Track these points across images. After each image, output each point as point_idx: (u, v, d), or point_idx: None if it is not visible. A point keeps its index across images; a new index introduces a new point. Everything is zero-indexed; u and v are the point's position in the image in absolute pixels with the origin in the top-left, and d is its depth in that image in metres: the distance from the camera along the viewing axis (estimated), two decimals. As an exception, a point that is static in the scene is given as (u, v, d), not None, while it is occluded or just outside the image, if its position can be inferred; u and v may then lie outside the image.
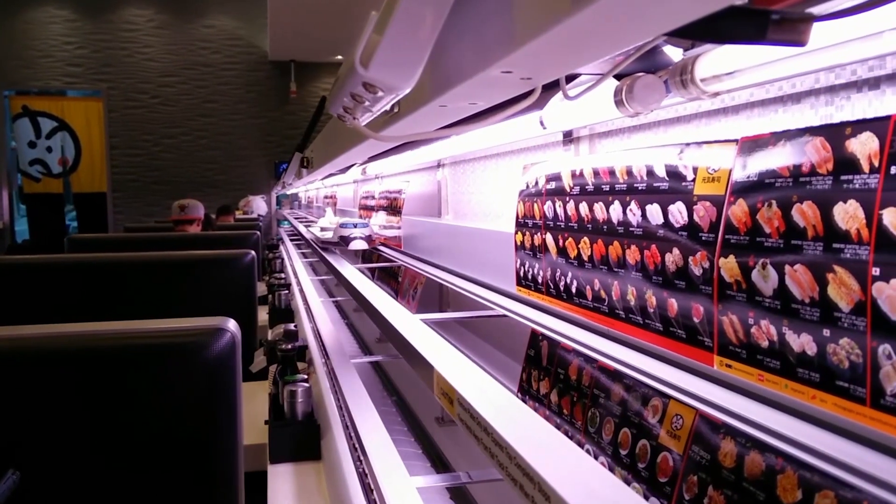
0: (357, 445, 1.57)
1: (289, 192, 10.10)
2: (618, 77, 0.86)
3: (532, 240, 1.43)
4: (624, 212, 1.07)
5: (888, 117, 0.64)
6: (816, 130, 0.72)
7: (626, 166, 1.08)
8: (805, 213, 0.72)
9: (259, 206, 9.43)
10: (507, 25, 0.51)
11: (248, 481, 1.53)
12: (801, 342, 0.72)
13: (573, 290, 1.24)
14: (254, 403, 2.57)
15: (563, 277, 1.30)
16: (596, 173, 1.16)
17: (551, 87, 1.03)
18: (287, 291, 3.56)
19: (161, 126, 10.42)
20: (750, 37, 0.39)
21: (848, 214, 0.67)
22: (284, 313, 3.42)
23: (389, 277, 2.87)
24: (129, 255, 2.59)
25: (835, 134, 0.69)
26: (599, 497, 0.49)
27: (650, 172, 1.01)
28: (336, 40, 9.04)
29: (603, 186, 1.14)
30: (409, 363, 1.14)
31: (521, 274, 1.47)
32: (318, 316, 2.79)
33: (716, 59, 0.70)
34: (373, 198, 3.54)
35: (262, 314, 3.73)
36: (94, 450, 1.18)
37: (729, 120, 1.03)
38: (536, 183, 1.41)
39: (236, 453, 1.37)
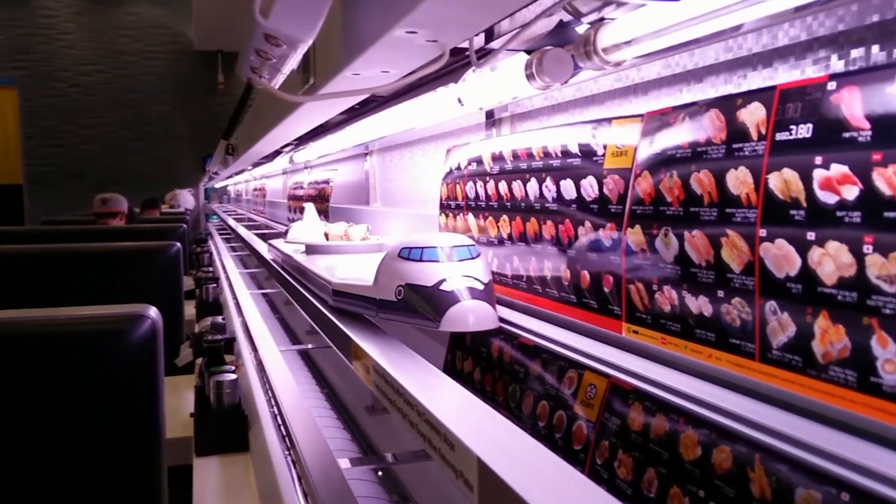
0: (286, 434, 1.59)
1: (217, 186, 9.88)
2: (529, 53, 0.89)
3: (455, 221, 1.44)
4: (540, 189, 1.10)
5: (773, 87, 0.68)
6: (712, 103, 0.76)
7: (542, 146, 1.11)
8: (702, 182, 0.76)
9: (186, 200, 9.18)
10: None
11: (172, 475, 1.51)
12: (699, 304, 0.76)
13: (494, 267, 1.26)
14: (179, 397, 2.51)
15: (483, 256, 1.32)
16: (515, 154, 1.19)
17: (467, 64, 1.05)
18: (215, 285, 3.48)
19: (81, 116, 10.02)
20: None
21: (739, 180, 0.70)
22: (212, 307, 3.35)
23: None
24: (49, 247, 2.49)
25: (727, 105, 0.73)
26: (489, 435, 0.51)
27: (565, 150, 1.04)
28: (265, 31, 8.82)
29: (521, 165, 1.17)
30: (332, 341, 1.15)
31: (445, 255, 1.49)
32: (247, 309, 2.75)
33: (616, 29, 0.73)
34: (302, 188, 3.51)
35: (190, 309, 3.65)
36: (8, 441, 1.14)
37: (639, 99, 1.07)
38: (459, 166, 1.43)
39: (159, 445, 1.34)
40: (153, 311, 1.39)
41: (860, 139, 0.57)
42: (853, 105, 0.59)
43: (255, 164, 3.81)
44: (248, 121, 2.40)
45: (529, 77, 0.86)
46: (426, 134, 2.00)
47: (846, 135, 0.59)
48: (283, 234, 2.06)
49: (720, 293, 0.73)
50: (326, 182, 2.93)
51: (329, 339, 1.91)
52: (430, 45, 0.61)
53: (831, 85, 0.61)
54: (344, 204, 2.79)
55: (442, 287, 0.92)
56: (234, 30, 9.15)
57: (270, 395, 1.82)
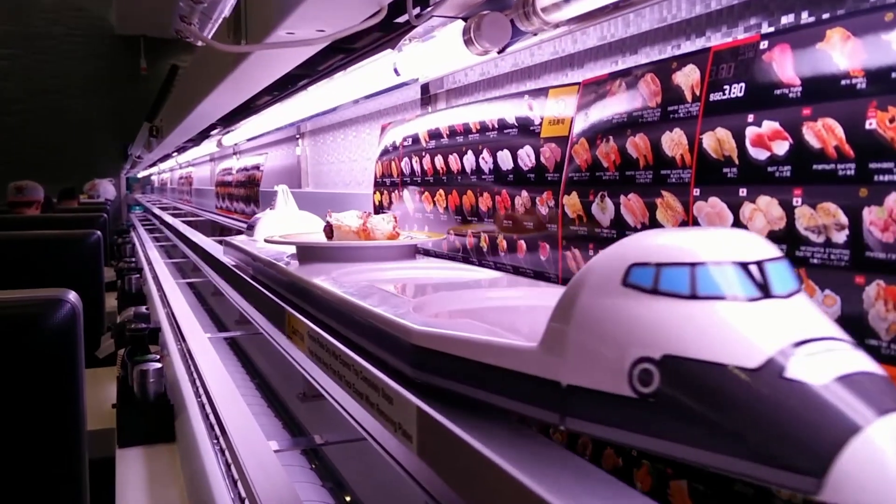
0: (215, 423, 1.52)
1: (140, 175, 9.55)
2: (465, 20, 0.88)
3: (390, 197, 1.43)
4: (477, 161, 1.10)
5: (708, 49, 0.69)
6: (647, 67, 0.77)
7: (479, 120, 1.10)
8: (637, 145, 0.77)
9: (107, 189, 8.83)
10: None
11: (94, 468, 1.45)
12: (635, 266, 0.77)
13: (429, 245, 1.25)
14: (100, 389, 2.42)
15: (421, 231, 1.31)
16: (452, 128, 1.18)
17: (403, 33, 1.03)
18: (138, 276, 3.37)
19: (-6, 101, 9.50)
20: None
21: (673, 142, 0.72)
22: (135, 298, 3.24)
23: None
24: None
25: (663, 69, 0.74)
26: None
27: (502, 122, 1.04)
28: (191, 16, 8.56)
29: (458, 139, 1.16)
30: (261, 312, 1.12)
31: (380, 234, 1.47)
32: (172, 299, 2.67)
33: None
34: (231, 173, 3.42)
35: (111, 301, 3.51)
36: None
37: (575, 72, 1.08)
38: (395, 143, 1.41)
39: (79, 435, 1.29)
40: (72, 296, 1.32)
41: (791, 95, 0.59)
42: (784, 63, 0.60)
43: (181, 149, 3.69)
44: (174, 100, 2.32)
45: (468, 42, 0.85)
46: (360, 113, 1.98)
47: (777, 92, 0.60)
48: (248, 229, 1.53)
49: (655, 254, 0.74)
50: (257, 167, 2.86)
51: (260, 326, 1.86)
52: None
53: (763, 44, 0.63)
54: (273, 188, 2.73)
55: (789, 375, 0.34)
56: (157, 14, 8.85)
57: (198, 383, 1.76)
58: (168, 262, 3.62)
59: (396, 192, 1.40)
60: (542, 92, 0.97)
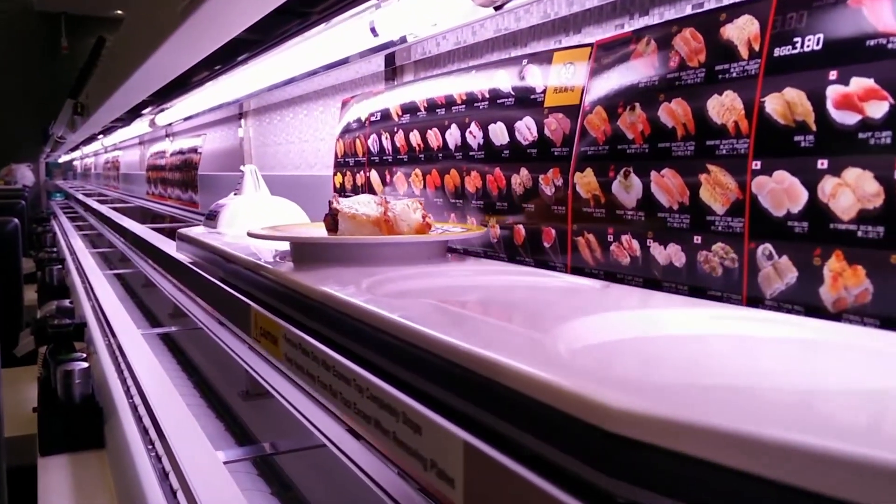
0: (150, 427, 1.38)
1: (61, 160, 9.03)
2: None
3: (354, 179, 1.29)
4: (463, 136, 0.97)
5: (769, -3, 0.59)
6: (685, 21, 0.66)
7: (464, 90, 0.98)
8: (674, 112, 0.66)
9: (24, 175, 8.32)
10: None
11: (13, 478, 1.33)
12: (669, 254, 0.66)
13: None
14: (19, 391, 2.24)
15: (389, 218, 1.18)
16: (431, 101, 1.06)
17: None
18: (60, 267, 3.14)
19: None
20: None
21: (724, 107, 0.61)
22: (57, 290, 3.01)
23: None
24: None
25: (707, 22, 0.64)
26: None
27: (494, 92, 0.92)
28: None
29: (439, 111, 1.04)
30: (219, 310, 0.97)
31: (341, 219, 1.33)
32: (99, 291, 2.50)
33: None
34: (164, 157, 3.19)
35: (30, 294, 3.29)
36: None
37: (571, 38, 0.97)
38: (359, 119, 1.28)
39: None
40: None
41: (891, 46, 0.49)
42: (879, 8, 0.50)
43: (108, 130, 3.43)
44: (102, 75, 2.11)
45: (469, -12, 0.73)
46: (311, 89, 1.82)
47: (871, 43, 0.50)
48: (209, 220, 1.27)
49: (697, 239, 0.63)
50: (194, 150, 2.66)
51: (199, 320, 1.71)
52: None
53: (849, -13, 0.53)
54: (213, 172, 2.54)
55: None
56: (81, -10, 8.34)
57: (130, 383, 1.61)
58: (93, 251, 3.41)
59: (362, 172, 1.26)
60: (543, 56, 0.85)
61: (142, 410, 1.53)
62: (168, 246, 1.58)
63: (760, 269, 0.58)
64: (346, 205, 0.80)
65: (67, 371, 1.74)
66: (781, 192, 0.56)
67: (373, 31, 0.94)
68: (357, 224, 0.78)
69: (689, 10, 0.79)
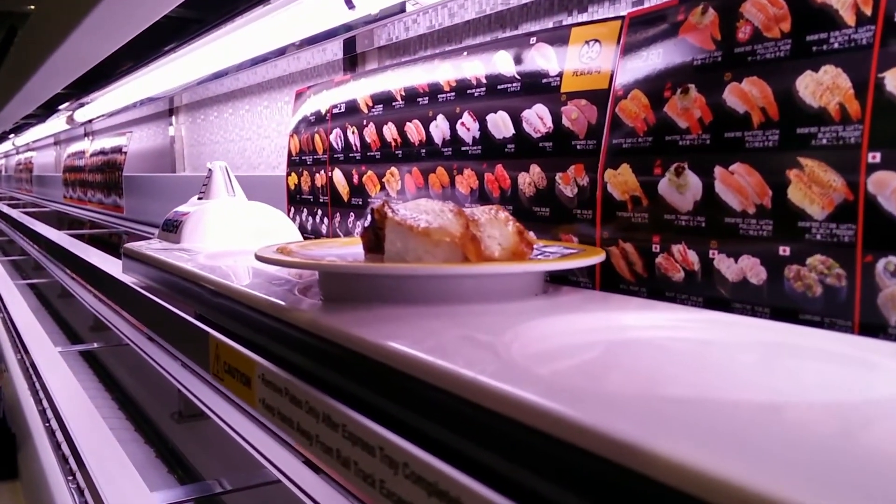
0: (69, 454, 1.26)
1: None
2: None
3: (312, 179, 1.13)
4: (453, 129, 0.83)
5: (885, -53, 0.47)
6: (758, -16, 0.54)
7: (454, 76, 0.84)
8: (748, 94, 0.53)
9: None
10: None
11: None
12: (741, 269, 0.54)
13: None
14: (-85, 416, 2.03)
15: (358, 224, 1.03)
16: (410, 89, 0.91)
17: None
18: (-37, 277, 2.87)
19: None
20: None
21: (822, 86, 0.49)
22: (-40, 305, 2.74)
23: (108, 246, 2.37)
24: None
25: (793, -18, 0.52)
26: None
27: (493, 76, 0.78)
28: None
29: (421, 101, 0.89)
30: (166, 339, 0.80)
31: (298, 225, 1.17)
32: (11, 304, 2.32)
33: None
34: (83, 157, 2.93)
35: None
36: None
37: (573, 18, 0.84)
38: (318, 112, 1.12)
39: None
40: None
41: None
42: None
43: (20, 128, 3.14)
44: (13, 66, 1.88)
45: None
46: (253, 82, 1.65)
47: None
48: (167, 230, 1.02)
49: (783, 250, 0.51)
50: (118, 150, 2.42)
51: (125, 335, 1.55)
52: None
53: None
54: (141, 173, 2.32)
55: None
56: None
57: (45, 404, 1.50)
58: (3, 259, 3.15)
59: (323, 172, 1.10)
60: (557, 34, 0.72)
61: (60, 436, 1.43)
62: (101, 260, 1.41)
63: (882, 288, 0.46)
64: (407, 214, 0.55)
65: (-27, 393, 1.59)
66: (914, 191, 0.44)
67: (348, 2, 0.78)
68: (430, 244, 0.53)
69: (729, -19, 0.67)
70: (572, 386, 0.32)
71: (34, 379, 1.77)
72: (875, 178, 0.46)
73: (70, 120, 2.51)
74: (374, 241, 0.60)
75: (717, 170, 0.55)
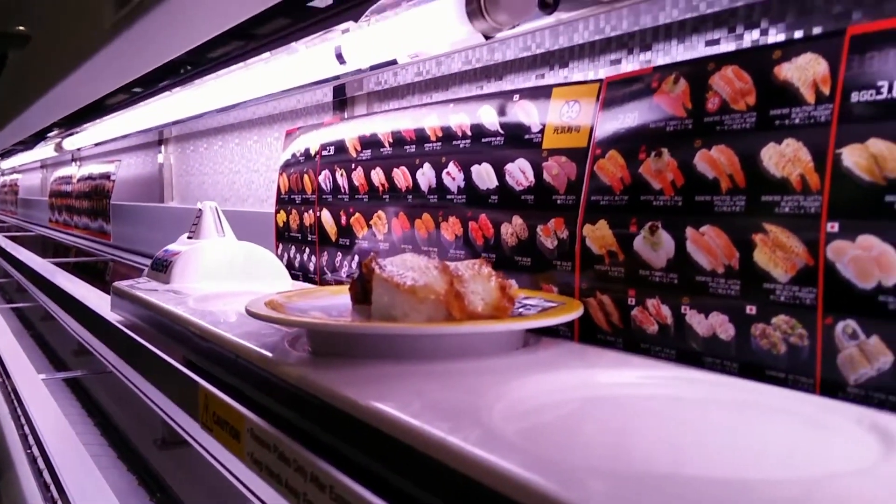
0: (51, 482, 1.29)
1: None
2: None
3: (301, 218, 1.16)
4: (438, 176, 0.86)
5: (840, 32, 0.51)
6: (726, 58, 0.58)
7: (440, 125, 0.87)
8: (716, 161, 0.57)
9: None
10: None
11: None
12: (711, 325, 0.57)
13: (362, 277, 1.00)
14: None
15: (346, 263, 1.05)
16: (396, 135, 0.94)
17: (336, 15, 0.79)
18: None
19: None
20: None
21: (785, 157, 0.52)
22: (-58, 325, 2.72)
23: (94, 275, 2.37)
24: None
25: (757, 59, 0.55)
26: None
27: (477, 128, 0.82)
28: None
29: (407, 148, 0.92)
30: (154, 383, 0.82)
31: (285, 261, 1.19)
32: None
33: None
34: (70, 182, 2.93)
35: None
36: None
37: (555, 74, 0.88)
38: (307, 152, 1.15)
39: None
40: None
41: None
42: None
43: (7, 153, 3.15)
44: (5, 93, 1.89)
45: (473, 14, 0.62)
46: (244, 118, 1.67)
47: None
48: (156, 269, 1.02)
49: (750, 309, 0.54)
50: (106, 177, 2.44)
51: (109, 362, 1.55)
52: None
53: (950, 24, 0.45)
54: (129, 202, 2.33)
55: None
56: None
57: (28, 432, 1.51)
58: None
59: (311, 211, 1.13)
60: (539, 92, 0.75)
61: (41, 464, 1.42)
62: (88, 294, 1.42)
63: (840, 349, 0.49)
64: (394, 271, 0.57)
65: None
66: (868, 260, 0.47)
67: (339, 57, 0.81)
68: (416, 300, 0.54)
69: (701, 47, 0.71)
70: (547, 457, 0.35)
71: (16, 406, 1.76)
72: (833, 246, 0.49)
73: (59, 147, 2.52)
74: (362, 293, 0.63)
75: (689, 230, 0.59)
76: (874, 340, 0.47)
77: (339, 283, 1.07)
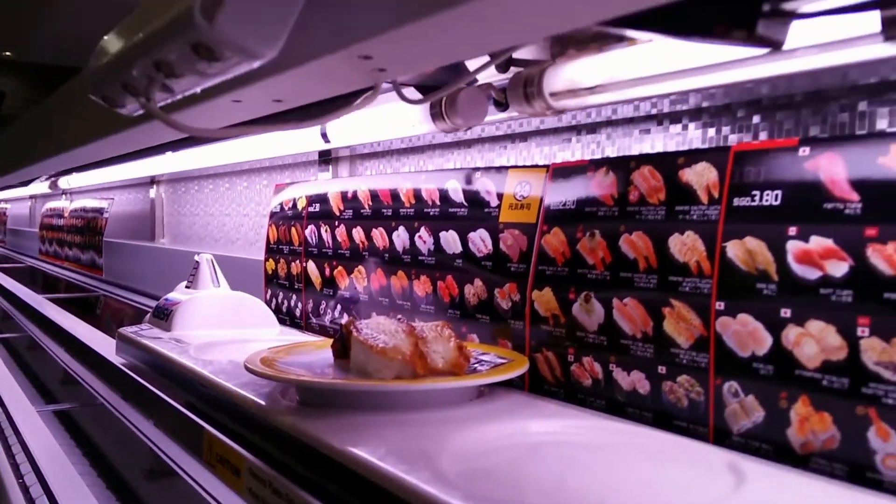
0: None
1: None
2: (423, 90, 0.77)
3: (288, 267, 1.27)
4: (412, 239, 0.98)
5: (726, 148, 0.63)
6: (643, 159, 0.70)
7: (412, 189, 0.99)
8: (635, 244, 0.69)
9: None
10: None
11: None
12: (632, 380, 0.69)
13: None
14: None
15: (328, 311, 1.16)
16: (374, 195, 1.06)
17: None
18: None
19: None
20: (730, 30, 0.32)
21: (686, 246, 0.64)
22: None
23: (87, 310, 2.45)
24: None
25: (667, 163, 0.68)
26: None
27: (444, 196, 0.93)
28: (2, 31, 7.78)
29: (384, 211, 1.04)
30: (160, 425, 0.92)
31: (273, 306, 1.30)
32: None
33: (576, 70, 0.64)
34: (61, 216, 3.02)
35: None
36: None
37: (517, 147, 1.00)
38: (294, 205, 1.26)
39: None
40: None
41: (848, 211, 0.54)
42: (835, 174, 0.55)
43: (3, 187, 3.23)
44: (5, 138, 1.99)
45: (436, 116, 0.74)
46: (233, 168, 1.78)
47: (828, 206, 0.55)
48: (157, 317, 1.12)
49: (661, 369, 0.66)
50: (99, 212, 2.53)
51: (101, 395, 1.62)
52: (375, 73, 0.47)
53: (804, 150, 0.57)
54: (120, 238, 2.43)
55: None
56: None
57: (23, 460, 1.48)
58: None
59: (298, 262, 1.24)
60: (497, 171, 0.87)
61: (34, 491, 1.45)
62: (92, 336, 1.48)
63: (727, 405, 0.61)
64: (368, 334, 0.68)
65: (-48, 452, 1.59)
66: (746, 334, 0.59)
67: (323, 136, 0.93)
68: (387, 360, 0.65)
69: (636, 134, 0.84)
70: (479, 493, 0.46)
71: (13, 436, 1.81)
72: (721, 321, 0.61)
73: (54, 185, 2.61)
74: (342, 349, 0.74)
75: (615, 301, 0.70)
76: (750, 399, 0.59)
77: (323, 327, 1.18)
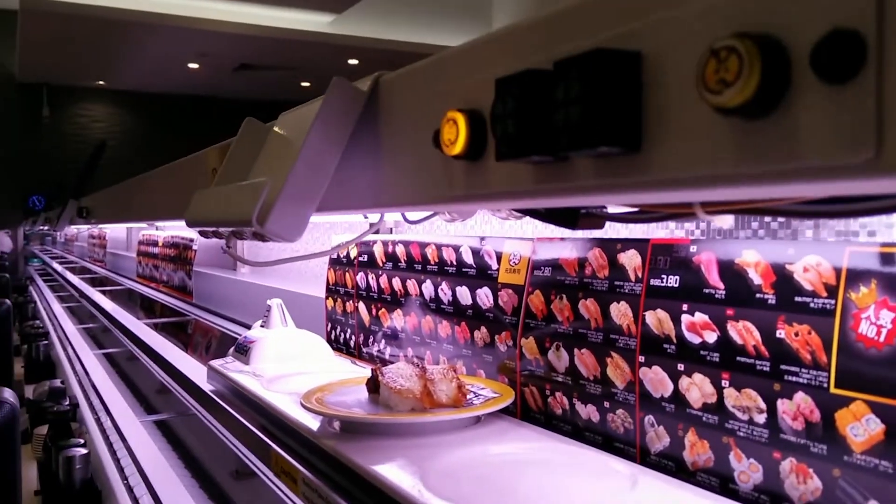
0: None
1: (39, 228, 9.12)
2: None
3: (344, 306, 1.53)
4: (436, 291, 1.22)
5: (647, 240, 0.84)
6: (595, 242, 0.92)
7: (435, 249, 1.23)
8: (588, 308, 0.91)
9: (2, 241, 8.43)
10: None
11: None
12: (588, 411, 0.91)
13: (386, 356, 1.36)
14: (19, 472, 2.35)
15: (375, 343, 1.41)
16: (409, 254, 1.30)
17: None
18: (46, 342, 3.26)
19: None
20: (565, 224, 0.55)
21: (620, 312, 0.86)
22: (44, 367, 3.13)
23: (179, 332, 2.79)
24: None
25: (609, 247, 0.89)
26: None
27: (460, 260, 1.17)
28: (95, 63, 8.46)
29: (415, 266, 1.28)
30: (237, 436, 1.18)
31: (332, 336, 1.57)
32: (95, 375, 2.62)
33: None
34: (156, 244, 3.40)
35: (17, 367, 3.38)
36: None
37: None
38: (348, 255, 1.52)
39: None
40: (9, 394, 1.30)
41: (717, 296, 0.75)
42: (710, 268, 0.76)
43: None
44: (116, 192, 2.33)
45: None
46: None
47: (706, 290, 0.76)
48: (238, 352, 1.39)
49: (606, 404, 0.88)
50: (189, 245, 2.88)
51: (194, 404, 1.87)
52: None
53: (693, 248, 0.78)
54: (207, 266, 2.76)
55: None
56: (61, 62, 8.61)
57: (126, 463, 1.77)
58: (79, 327, 3.50)
59: (351, 302, 1.50)
60: (499, 241, 1.10)
61: (138, 492, 1.67)
62: (187, 366, 1.74)
63: (647, 432, 0.82)
64: (390, 377, 0.95)
65: (69, 458, 1.82)
66: (657, 381, 0.81)
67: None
68: (402, 397, 0.93)
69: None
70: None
71: (119, 442, 2.08)
72: (642, 371, 0.83)
73: (151, 224, 2.97)
74: (374, 386, 0.99)
75: (575, 350, 0.93)
76: (661, 428, 0.80)
77: (371, 355, 1.43)
